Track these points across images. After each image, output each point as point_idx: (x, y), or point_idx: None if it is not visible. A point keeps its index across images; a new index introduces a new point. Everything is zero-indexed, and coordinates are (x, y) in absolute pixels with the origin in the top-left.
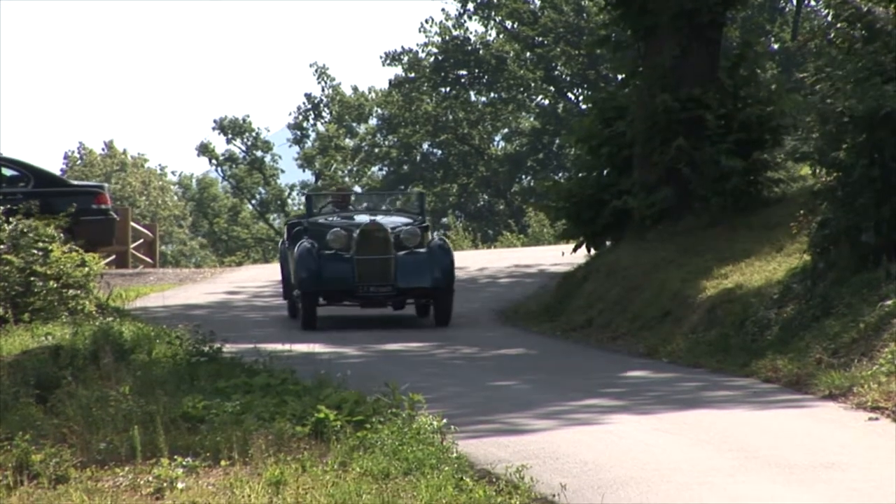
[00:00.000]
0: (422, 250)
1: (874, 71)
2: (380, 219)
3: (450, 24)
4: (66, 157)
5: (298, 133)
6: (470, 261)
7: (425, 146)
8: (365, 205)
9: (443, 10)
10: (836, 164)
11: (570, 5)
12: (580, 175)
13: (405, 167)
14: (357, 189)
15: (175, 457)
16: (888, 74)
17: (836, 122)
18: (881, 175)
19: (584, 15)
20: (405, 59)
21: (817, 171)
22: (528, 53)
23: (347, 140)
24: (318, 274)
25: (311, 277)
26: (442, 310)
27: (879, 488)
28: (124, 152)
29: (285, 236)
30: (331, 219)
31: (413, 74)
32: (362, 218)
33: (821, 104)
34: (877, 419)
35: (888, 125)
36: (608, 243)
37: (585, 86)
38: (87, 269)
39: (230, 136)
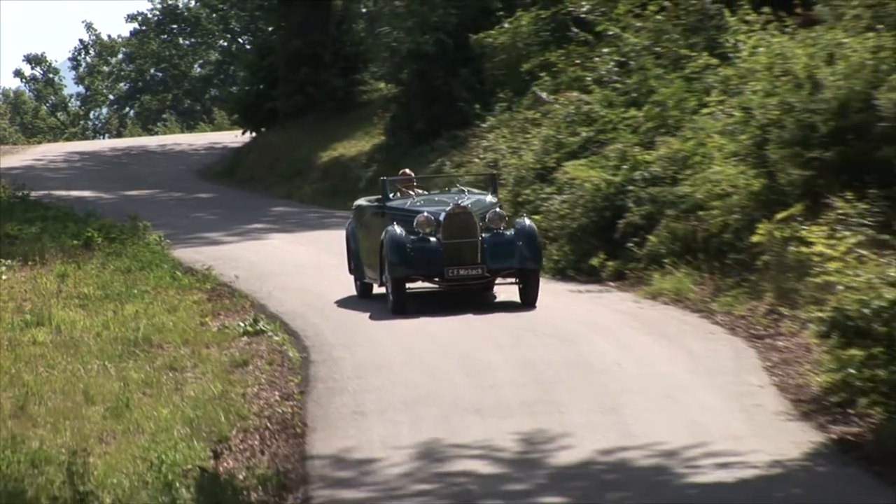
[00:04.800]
0: (508, 232)
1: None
2: (463, 201)
3: None
4: None
5: (76, 62)
6: (180, 140)
7: (153, 70)
8: (438, 189)
9: None
10: (400, 82)
11: None
12: (247, 88)
13: (140, 83)
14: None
15: (0, 260)
16: (428, 25)
17: (398, 56)
18: (427, 90)
19: None
20: (140, 18)
21: (389, 86)
22: (214, 14)
23: (105, 67)
24: (409, 260)
25: (401, 264)
26: (530, 290)
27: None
28: None
29: (353, 219)
30: (412, 203)
31: (145, 27)
32: (443, 201)
33: (390, 46)
34: None
35: (425, 59)
36: (264, 130)
37: (250, 34)
38: None
39: (34, 65)
